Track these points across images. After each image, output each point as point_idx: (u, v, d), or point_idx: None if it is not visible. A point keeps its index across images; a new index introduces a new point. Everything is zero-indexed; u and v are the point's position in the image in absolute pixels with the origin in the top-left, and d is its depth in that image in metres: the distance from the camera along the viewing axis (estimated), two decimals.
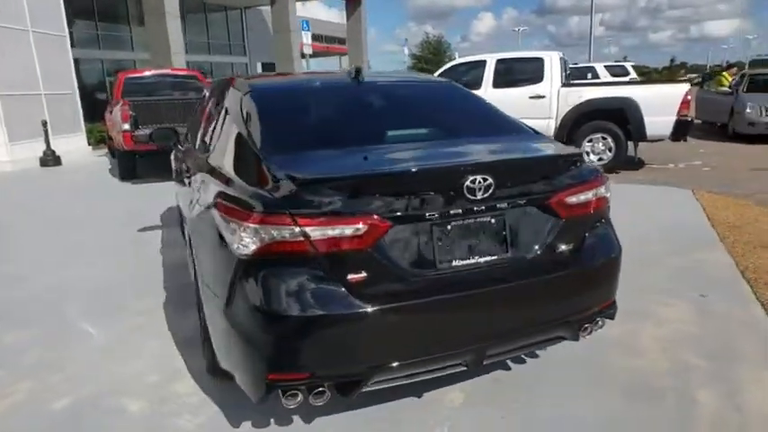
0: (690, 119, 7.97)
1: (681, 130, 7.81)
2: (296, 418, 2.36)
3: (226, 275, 1.99)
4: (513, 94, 8.27)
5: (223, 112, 2.82)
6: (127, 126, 7.82)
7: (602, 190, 2.31)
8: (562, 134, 8.20)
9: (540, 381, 2.62)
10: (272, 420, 2.36)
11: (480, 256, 2.05)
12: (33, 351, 3.12)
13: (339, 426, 2.31)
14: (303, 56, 25.96)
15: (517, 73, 8.64)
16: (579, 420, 2.33)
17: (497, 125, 2.74)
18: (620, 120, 7.97)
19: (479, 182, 1.97)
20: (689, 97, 7.76)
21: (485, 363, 2.13)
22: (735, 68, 14.21)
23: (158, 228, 5.72)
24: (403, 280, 1.93)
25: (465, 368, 2.11)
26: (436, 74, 8.74)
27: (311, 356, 1.89)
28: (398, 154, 2.26)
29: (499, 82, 8.62)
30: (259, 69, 32.06)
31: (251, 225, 1.85)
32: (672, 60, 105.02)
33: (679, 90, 7.72)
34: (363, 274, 1.88)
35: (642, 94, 7.86)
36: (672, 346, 2.93)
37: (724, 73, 13.36)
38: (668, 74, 67.18)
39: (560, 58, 8.53)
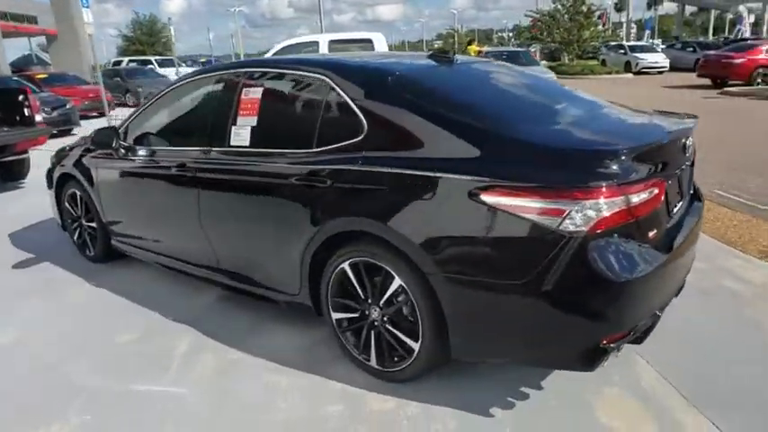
0: None
1: None
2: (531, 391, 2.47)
3: (533, 256, 1.99)
4: None
5: (352, 106, 2.47)
6: None
7: None
8: None
9: None
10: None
11: (677, 202, 2.50)
12: None
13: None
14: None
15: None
16: (704, 319, 3.03)
17: (587, 97, 3.16)
18: None
19: (691, 140, 2.43)
20: None
21: None
22: (475, 43, 17.19)
23: (51, 258, 4.39)
24: (667, 229, 2.27)
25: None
26: (270, 53, 8.49)
27: (636, 313, 2.09)
28: (615, 125, 2.59)
29: None
30: None
31: (590, 201, 1.92)
32: None
33: None
34: (655, 231, 2.15)
35: None
36: None
37: (469, 48, 15.98)
38: None
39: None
